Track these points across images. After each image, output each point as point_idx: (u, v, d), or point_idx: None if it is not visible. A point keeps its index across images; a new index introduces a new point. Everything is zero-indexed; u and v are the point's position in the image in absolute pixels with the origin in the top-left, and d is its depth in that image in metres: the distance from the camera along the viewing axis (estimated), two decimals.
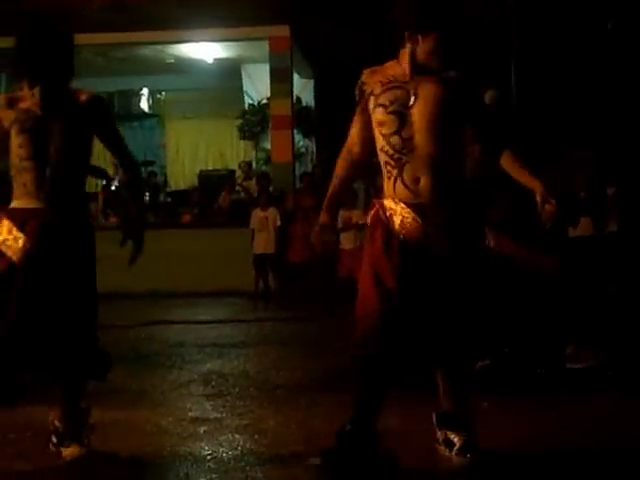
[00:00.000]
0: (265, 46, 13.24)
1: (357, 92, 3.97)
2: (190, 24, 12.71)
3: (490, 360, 5.48)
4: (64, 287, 4.01)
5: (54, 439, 4.23)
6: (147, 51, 14.15)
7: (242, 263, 11.48)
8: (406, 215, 3.76)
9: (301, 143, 15.07)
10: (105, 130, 4.21)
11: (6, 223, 4.06)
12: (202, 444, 4.48)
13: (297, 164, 14.16)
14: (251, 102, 15.13)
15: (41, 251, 4.00)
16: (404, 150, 3.78)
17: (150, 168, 14.84)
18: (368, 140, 3.97)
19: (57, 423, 4.23)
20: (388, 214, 3.81)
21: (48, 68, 4.03)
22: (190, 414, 5.12)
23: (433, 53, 3.81)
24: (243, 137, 15.36)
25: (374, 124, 3.89)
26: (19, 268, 3.98)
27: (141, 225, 4.33)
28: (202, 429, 4.77)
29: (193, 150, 16.98)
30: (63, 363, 4.06)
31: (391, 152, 3.81)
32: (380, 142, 3.87)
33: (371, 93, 3.88)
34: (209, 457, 4.25)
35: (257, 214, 11.60)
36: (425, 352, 3.80)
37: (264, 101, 14.55)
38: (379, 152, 3.90)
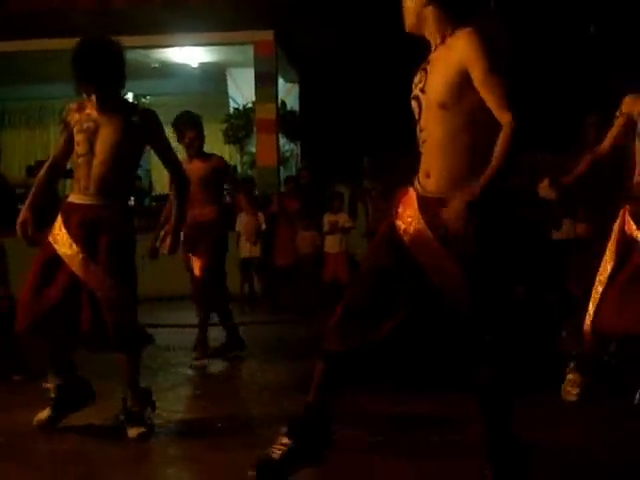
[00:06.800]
0: (250, 50, 13.27)
1: None
2: (175, 29, 12.71)
3: None
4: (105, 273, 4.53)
5: (121, 417, 4.67)
6: (132, 55, 14.04)
7: (228, 267, 11.47)
8: (410, 206, 3.49)
9: (286, 147, 15.10)
10: (157, 141, 4.84)
11: (59, 218, 4.65)
12: (190, 446, 4.51)
13: (282, 168, 14.19)
14: (236, 106, 15.14)
15: (80, 245, 4.54)
16: (420, 141, 3.50)
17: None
18: None
19: (127, 402, 4.66)
20: (402, 202, 3.55)
21: (100, 76, 4.58)
22: (178, 416, 5.15)
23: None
24: (228, 141, 15.37)
25: None
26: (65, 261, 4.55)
27: (181, 221, 5.06)
28: (190, 431, 4.80)
29: (178, 154, 16.98)
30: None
31: (418, 142, 3.53)
32: None
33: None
34: (197, 458, 4.28)
35: (243, 218, 11.60)
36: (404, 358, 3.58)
37: (249, 105, 14.56)
38: None
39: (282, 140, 14.40)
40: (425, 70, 3.48)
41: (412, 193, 3.55)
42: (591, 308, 4.84)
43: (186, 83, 15.51)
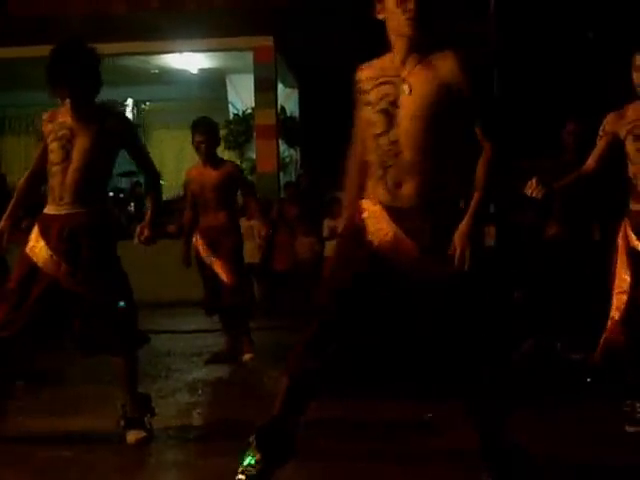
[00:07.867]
0: (249, 56, 13.28)
1: (355, 90, 3.73)
2: (174, 35, 12.73)
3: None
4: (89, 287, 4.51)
5: (122, 422, 4.67)
6: (131, 62, 14.17)
7: None
8: (380, 219, 3.52)
9: (286, 153, 15.11)
10: (131, 145, 4.78)
11: (35, 230, 4.60)
12: (189, 452, 4.51)
13: (281, 174, 14.19)
14: (235, 112, 15.15)
15: (61, 256, 4.49)
16: (390, 153, 3.50)
17: (134, 179, 14.83)
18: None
19: (126, 408, 4.68)
20: (364, 216, 3.57)
21: (74, 79, 4.52)
22: (177, 421, 5.15)
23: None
24: (228, 147, 15.36)
25: (363, 124, 3.64)
26: (44, 272, 4.50)
27: (156, 215, 4.97)
28: (189, 437, 4.80)
29: (178, 160, 16.99)
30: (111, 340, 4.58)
31: (379, 153, 3.54)
32: (369, 142, 3.60)
33: (361, 90, 3.66)
34: (197, 464, 4.28)
35: (242, 223, 11.58)
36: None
37: (248, 111, 14.58)
38: (369, 151, 3.63)
39: (282, 146, 14.40)
40: (392, 84, 3.54)
41: (374, 206, 3.57)
42: (615, 313, 4.82)
43: (186, 89, 15.52)
